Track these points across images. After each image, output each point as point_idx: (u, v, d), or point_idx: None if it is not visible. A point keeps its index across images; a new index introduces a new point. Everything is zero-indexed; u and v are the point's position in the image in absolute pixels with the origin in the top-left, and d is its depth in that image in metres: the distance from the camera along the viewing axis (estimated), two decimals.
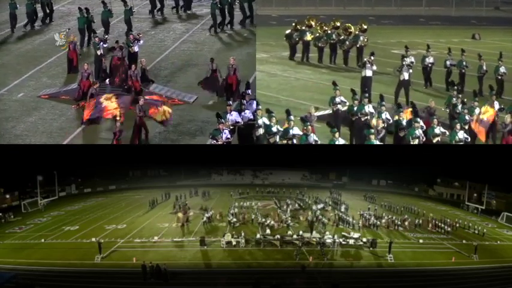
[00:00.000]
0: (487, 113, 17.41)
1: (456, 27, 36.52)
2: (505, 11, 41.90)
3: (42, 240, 24.99)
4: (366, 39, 26.02)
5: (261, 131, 16.64)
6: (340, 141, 16.06)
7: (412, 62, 22.22)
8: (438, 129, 16.86)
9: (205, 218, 30.00)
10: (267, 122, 16.46)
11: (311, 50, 27.04)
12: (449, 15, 40.52)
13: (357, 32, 26.01)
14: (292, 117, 16.17)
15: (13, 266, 19.83)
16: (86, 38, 24.54)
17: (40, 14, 27.15)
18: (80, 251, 22.36)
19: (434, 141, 16.81)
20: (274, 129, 16.10)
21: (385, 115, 17.52)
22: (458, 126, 16.75)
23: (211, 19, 26.86)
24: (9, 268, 19.51)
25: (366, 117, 17.83)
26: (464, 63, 23.10)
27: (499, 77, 22.31)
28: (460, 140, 16.62)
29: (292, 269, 19.97)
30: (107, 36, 22.46)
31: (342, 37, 26.29)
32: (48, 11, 27.30)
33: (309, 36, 26.75)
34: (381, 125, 17.14)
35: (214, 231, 27.32)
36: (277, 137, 16.17)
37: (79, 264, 20.15)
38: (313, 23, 26.96)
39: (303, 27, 26.89)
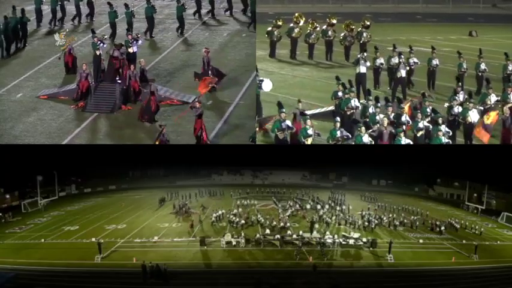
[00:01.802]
0: (490, 117, 17.41)
1: (453, 24, 36.57)
2: (502, 8, 42.01)
3: (42, 240, 25.02)
4: (369, 36, 26.21)
5: (285, 133, 16.16)
6: (406, 141, 16.03)
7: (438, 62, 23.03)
8: (422, 124, 17.06)
9: (213, 218, 30.03)
10: (290, 124, 16.18)
11: (304, 46, 26.95)
12: (447, 12, 40.57)
13: (359, 29, 26.17)
14: (338, 119, 16.47)
15: (13, 266, 19.85)
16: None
17: (70, 9, 26.79)
18: (80, 251, 22.37)
19: (419, 135, 17.02)
20: (310, 131, 15.91)
21: (372, 109, 17.91)
22: (440, 120, 16.89)
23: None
24: (9, 268, 19.55)
25: (351, 111, 18.21)
26: (434, 61, 22.89)
27: (480, 74, 22.35)
28: (442, 134, 16.63)
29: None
30: (106, 37, 22.42)
31: (343, 33, 26.33)
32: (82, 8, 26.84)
33: (297, 33, 26.62)
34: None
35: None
36: (310, 138, 15.90)
37: (79, 264, 20.16)
38: (301, 21, 26.69)
39: (291, 24, 26.68)
